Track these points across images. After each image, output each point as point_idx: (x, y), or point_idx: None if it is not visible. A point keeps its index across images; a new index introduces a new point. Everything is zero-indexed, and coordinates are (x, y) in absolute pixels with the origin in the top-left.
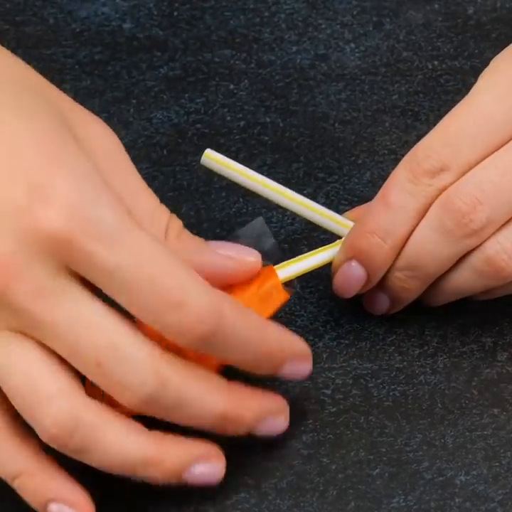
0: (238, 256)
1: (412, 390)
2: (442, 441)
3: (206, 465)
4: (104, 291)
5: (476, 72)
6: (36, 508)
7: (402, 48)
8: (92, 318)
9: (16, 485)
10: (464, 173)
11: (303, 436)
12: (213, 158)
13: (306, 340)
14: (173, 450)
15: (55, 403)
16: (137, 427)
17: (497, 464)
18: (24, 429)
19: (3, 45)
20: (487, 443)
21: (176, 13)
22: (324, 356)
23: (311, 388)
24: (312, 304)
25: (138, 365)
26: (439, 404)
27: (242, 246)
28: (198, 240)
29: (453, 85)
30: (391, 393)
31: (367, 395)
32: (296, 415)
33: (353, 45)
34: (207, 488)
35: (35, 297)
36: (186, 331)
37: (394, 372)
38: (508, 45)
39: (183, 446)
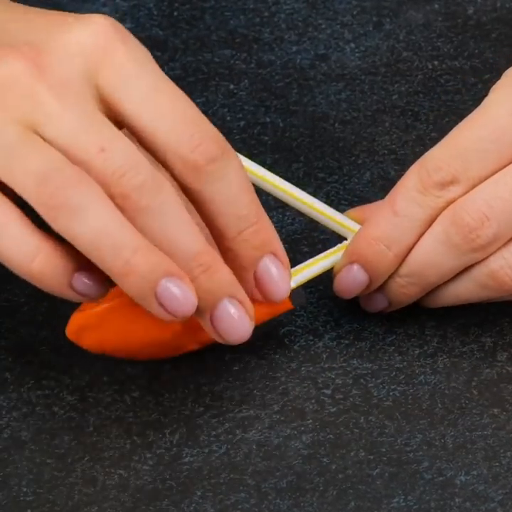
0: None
1: (412, 390)
2: (442, 441)
3: (180, 285)
4: (121, 98)
5: (476, 72)
6: (62, 283)
7: (402, 48)
8: (99, 119)
9: (36, 265)
10: (473, 187)
11: (303, 436)
12: None
13: (306, 340)
14: (154, 251)
15: (48, 157)
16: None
17: (497, 464)
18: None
19: None
20: (487, 443)
21: (176, 13)
22: (324, 356)
23: (311, 388)
24: (312, 304)
25: (136, 155)
26: (439, 404)
27: None
28: None
29: (453, 85)
30: (391, 393)
31: (367, 395)
32: (296, 415)
33: (353, 45)
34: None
35: (57, 87)
36: (197, 146)
37: (394, 372)
38: (508, 45)
39: (164, 256)
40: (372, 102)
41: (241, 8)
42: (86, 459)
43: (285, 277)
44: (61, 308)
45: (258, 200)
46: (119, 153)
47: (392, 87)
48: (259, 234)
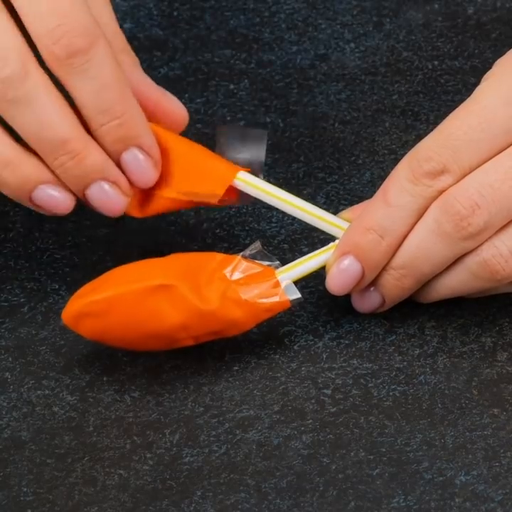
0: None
1: (412, 390)
2: (442, 441)
3: (56, 190)
4: None
5: (476, 72)
6: (20, 196)
7: (402, 48)
8: None
9: (3, 176)
10: (464, 176)
11: (303, 436)
12: None
13: (306, 340)
14: (31, 160)
15: None
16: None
17: (497, 463)
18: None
19: None
20: (487, 443)
21: (175, 13)
22: (324, 356)
23: (311, 388)
24: (312, 304)
25: (9, 48)
26: (439, 404)
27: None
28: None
29: (453, 85)
30: (391, 393)
31: (367, 395)
32: (296, 415)
33: (353, 45)
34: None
35: None
36: (59, 38)
37: (394, 372)
38: (508, 44)
39: (40, 164)
40: (372, 102)
41: (241, 8)
42: (86, 459)
43: (149, 166)
44: (61, 308)
45: (129, 95)
46: None
47: (392, 87)
48: (121, 128)
